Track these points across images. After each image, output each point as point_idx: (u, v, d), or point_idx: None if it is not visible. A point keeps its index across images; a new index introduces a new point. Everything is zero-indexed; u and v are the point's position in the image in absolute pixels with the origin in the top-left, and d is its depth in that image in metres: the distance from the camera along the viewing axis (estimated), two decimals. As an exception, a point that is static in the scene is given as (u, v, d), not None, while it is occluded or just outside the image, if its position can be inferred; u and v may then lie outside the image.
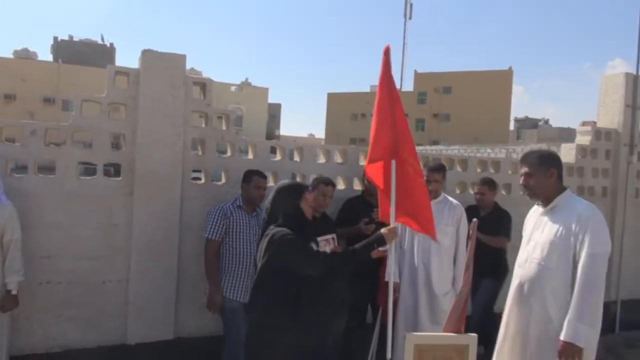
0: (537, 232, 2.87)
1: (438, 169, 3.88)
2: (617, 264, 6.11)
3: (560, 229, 2.74)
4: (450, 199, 3.95)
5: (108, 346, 3.71)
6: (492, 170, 5.47)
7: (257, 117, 45.33)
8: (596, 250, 2.64)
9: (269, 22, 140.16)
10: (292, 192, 2.77)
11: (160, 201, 3.77)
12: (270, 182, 4.30)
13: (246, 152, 4.37)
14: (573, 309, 2.61)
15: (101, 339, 3.70)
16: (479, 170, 5.38)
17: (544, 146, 11.20)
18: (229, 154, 4.20)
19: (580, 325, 2.58)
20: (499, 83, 47.39)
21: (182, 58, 3.83)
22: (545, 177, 2.81)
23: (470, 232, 2.67)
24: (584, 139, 6.06)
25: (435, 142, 42.56)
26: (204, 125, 4.04)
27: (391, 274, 2.75)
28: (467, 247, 2.76)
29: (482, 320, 4.18)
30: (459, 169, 5.26)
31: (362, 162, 4.74)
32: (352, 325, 4.17)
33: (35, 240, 3.49)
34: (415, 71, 52.12)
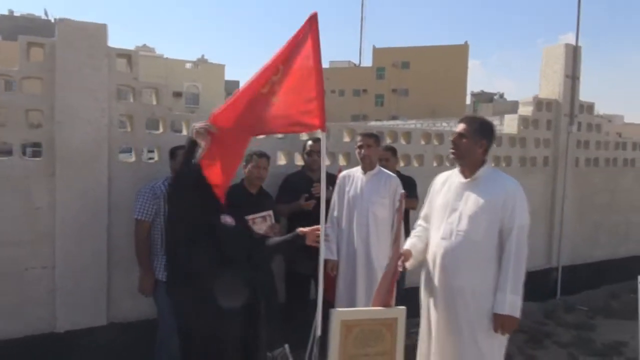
0: (460, 204, 2.81)
1: (369, 134, 3.80)
2: (557, 231, 6.31)
3: (487, 201, 2.73)
4: (386, 171, 3.89)
5: (36, 335, 3.52)
6: (435, 142, 5.48)
7: (214, 95, 44.31)
8: (523, 222, 2.70)
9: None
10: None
11: (86, 181, 3.56)
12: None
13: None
14: (507, 280, 2.64)
15: (27, 329, 3.50)
16: (422, 142, 5.37)
17: (497, 119, 11.40)
18: (160, 130, 4.00)
19: (514, 297, 2.63)
20: (455, 58, 47.93)
21: (102, 27, 3.59)
22: (476, 144, 2.79)
23: (398, 203, 2.62)
24: (526, 110, 6.15)
25: (394, 117, 42.82)
26: (132, 100, 3.83)
27: (321, 251, 2.66)
28: (394, 219, 2.71)
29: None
30: (403, 141, 5.24)
31: (304, 137, 4.65)
32: (295, 299, 4.16)
33: (-54, 227, 3.24)
34: (374, 46, 52.12)
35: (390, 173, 3.90)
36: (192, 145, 2.55)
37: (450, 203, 2.88)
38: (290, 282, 4.20)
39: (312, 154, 4.19)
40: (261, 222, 3.73)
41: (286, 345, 2.68)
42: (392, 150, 4.48)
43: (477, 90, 59.43)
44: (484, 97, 54.90)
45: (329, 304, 3.79)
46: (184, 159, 2.56)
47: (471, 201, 2.78)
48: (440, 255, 2.81)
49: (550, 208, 6.30)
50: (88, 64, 3.52)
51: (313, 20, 2.92)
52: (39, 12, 49.50)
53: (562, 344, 4.78)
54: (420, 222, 3.08)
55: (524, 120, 6.05)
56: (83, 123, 3.53)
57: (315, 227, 2.69)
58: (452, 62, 47.51)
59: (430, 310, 2.89)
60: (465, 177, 2.85)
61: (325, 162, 4.16)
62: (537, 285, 6.10)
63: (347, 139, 4.89)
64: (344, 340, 2.39)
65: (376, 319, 2.47)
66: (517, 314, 2.65)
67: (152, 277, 3.44)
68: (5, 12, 45.91)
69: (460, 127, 2.82)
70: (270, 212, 3.75)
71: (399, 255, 2.62)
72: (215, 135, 2.61)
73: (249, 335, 2.58)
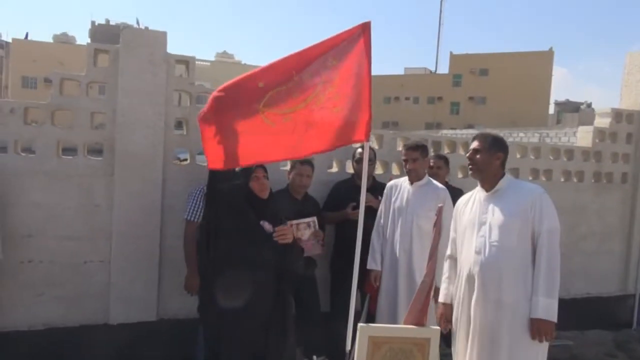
0: (487, 216, 2.79)
1: (414, 147, 3.67)
2: (636, 255, 5.78)
3: (514, 208, 2.72)
4: (435, 182, 3.74)
5: (90, 325, 3.73)
6: (517, 155, 5.26)
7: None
8: (553, 225, 2.67)
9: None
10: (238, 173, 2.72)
11: (142, 182, 3.73)
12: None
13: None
14: (541, 285, 2.64)
15: (83, 318, 3.72)
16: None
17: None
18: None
19: (549, 300, 2.63)
20: (538, 65, 45.64)
21: (162, 35, 3.75)
22: (492, 157, 2.81)
23: (436, 217, 2.51)
24: (603, 122, 5.69)
25: (470, 126, 41.49)
26: (188, 104, 3.97)
27: (355, 262, 2.59)
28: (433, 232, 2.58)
29: None
30: (462, 152, 5.03)
31: (356, 144, 4.60)
32: (338, 309, 4.10)
33: (16, 220, 3.51)
34: (451, 53, 50.84)
35: (439, 185, 3.74)
36: None
37: (477, 217, 2.86)
38: (335, 292, 4.14)
39: (361, 162, 4.12)
40: (304, 228, 3.72)
41: (314, 357, 2.63)
42: (444, 160, 4.31)
43: (562, 99, 56.32)
44: (569, 107, 51.86)
45: (371, 315, 3.71)
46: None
47: (498, 212, 2.76)
48: (477, 270, 2.75)
49: (629, 229, 5.77)
50: (148, 70, 3.69)
51: (366, 28, 2.84)
52: (131, 21, 53.10)
53: (631, 379, 4.36)
54: (449, 251, 3.05)
55: (599, 133, 5.60)
56: (141, 126, 3.70)
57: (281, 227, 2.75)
58: (535, 70, 45.26)
59: (467, 327, 2.82)
60: (487, 190, 2.86)
61: (368, 170, 4.12)
62: (610, 312, 5.65)
63: (400, 147, 4.76)
64: (370, 357, 2.31)
65: (407, 338, 2.36)
66: (552, 317, 2.64)
67: (197, 277, 3.52)
68: (103, 21, 49.75)
69: (474, 144, 2.88)
70: (314, 219, 3.73)
71: (434, 271, 2.50)
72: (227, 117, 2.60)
73: (271, 340, 2.59)
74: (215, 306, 2.59)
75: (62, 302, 3.67)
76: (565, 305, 5.38)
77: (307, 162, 3.78)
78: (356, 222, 3.85)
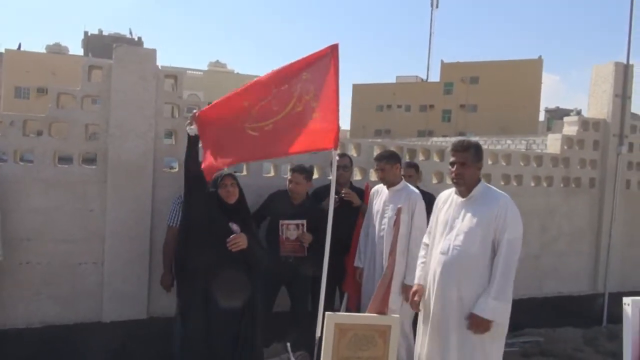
0: (457, 221, 3.00)
1: (379, 158, 4.03)
2: (604, 255, 6.10)
3: (481, 217, 2.91)
4: (411, 187, 4.05)
5: (84, 323, 3.98)
6: (489, 162, 5.57)
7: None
8: (513, 235, 2.85)
9: (288, 9, 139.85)
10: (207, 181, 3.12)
11: (133, 188, 4.01)
12: (245, 172, 4.53)
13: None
14: (494, 288, 2.81)
15: (78, 317, 3.98)
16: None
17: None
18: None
19: (497, 303, 2.80)
20: (528, 73, 46.32)
21: (152, 52, 4.05)
22: (476, 169, 2.98)
23: (395, 217, 2.80)
24: (570, 130, 6.03)
25: (461, 134, 41.96)
26: (177, 116, 4.27)
27: (325, 263, 2.86)
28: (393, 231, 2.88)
29: None
30: (436, 159, 5.35)
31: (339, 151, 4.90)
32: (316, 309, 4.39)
33: (16, 224, 3.77)
34: (442, 61, 51.47)
35: (414, 189, 4.05)
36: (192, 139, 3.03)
37: (449, 221, 3.06)
38: (315, 291, 4.40)
39: (339, 169, 4.43)
40: (293, 229, 4.02)
41: (288, 344, 2.90)
42: (415, 167, 4.64)
43: (553, 106, 57.01)
44: (559, 114, 52.40)
45: (353, 312, 4.00)
46: (186, 152, 3.04)
47: (467, 218, 2.96)
48: (439, 269, 2.99)
49: (597, 231, 6.10)
50: (139, 84, 3.98)
51: (335, 49, 3.17)
52: (124, 31, 53.37)
53: (595, 371, 4.65)
54: (425, 239, 3.29)
55: (567, 140, 5.94)
56: (133, 137, 3.99)
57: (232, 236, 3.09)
58: (525, 77, 45.91)
59: (428, 316, 3.07)
60: (463, 196, 3.03)
61: (345, 176, 4.42)
62: (581, 311, 5.95)
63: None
64: (337, 342, 2.59)
65: (370, 325, 2.64)
66: (499, 318, 2.82)
67: (169, 276, 3.83)
68: (96, 32, 50.09)
69: (461, 156, 2.96)
70: (304, 222, 3.99)
71: (393, 265, 2.79)
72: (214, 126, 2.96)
73: (242, 331, 2.92)
74: (191, 300, 2.93)
75: (58, 301, 3.93)
76: (537, 303, 5.75)
77: (297, 170, 4.09)
78: (336, 218, 4.21)
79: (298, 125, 3.10)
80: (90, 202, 3.98)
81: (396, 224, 2.78)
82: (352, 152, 4.96)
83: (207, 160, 3.07)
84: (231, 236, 3.06)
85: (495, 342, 2.92)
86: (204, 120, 3.06)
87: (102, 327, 4.00)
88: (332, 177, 2.96)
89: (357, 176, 4.97)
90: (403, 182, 4.08)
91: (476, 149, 3.00)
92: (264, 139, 2.99)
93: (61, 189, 3.89)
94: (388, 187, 4.02)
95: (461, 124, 47.54)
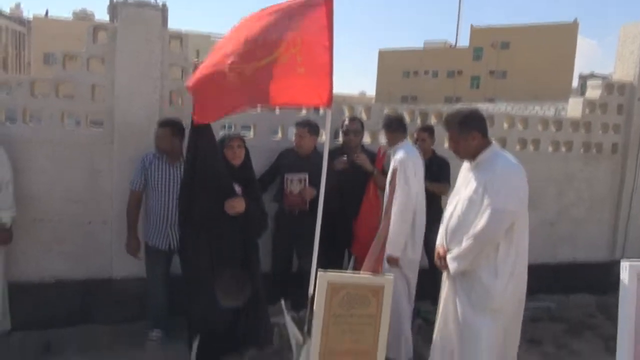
0: (462, 188, 2.96)
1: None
2: (624, 223, 5.94)
3: (479, 185, 2.82)
4: (401, 148, 3.86)
5: (96, 279, 4.13)
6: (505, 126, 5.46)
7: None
8: (499, 206, 2.72)
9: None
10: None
11: (139, 150, 4.04)
12: (252, 135, 4.53)
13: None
14: (460, 249, 2.84)
15: (90, 273, 4.12)
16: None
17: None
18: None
19: (453, 264, 2.88)
20: (562, 37, 44.57)
21: (157, 14, 4.04)
22: (468, 140, 2.88)
23: (390, 178, 2.76)
24: (594, 93, 5.80)
25: (490, 100, 40.97)
26: (182, 78, 4.26)
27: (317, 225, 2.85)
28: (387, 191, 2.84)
29: None
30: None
31: (347, 112, 4.86)
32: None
33: (26, 183, 3.87)
34: (472, 26, 49.92)
35: (402, 150, 3.85)
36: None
37: (457, 187, 3.06)
38: (326, 254, 4.42)
39: (349, 133, 4.40)
40: (297, 183, 4.08)
41: (282, 301, 2.95)
42: (429, 131, 4.55)
43: (587, 72, 54.95)
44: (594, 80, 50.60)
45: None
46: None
47: (469, 186, 2.91)
48: (445, 236, 3.01)
49: (617, 199, 5.93)
50: (144, 46, 3.98)
51: (329, 1, 3.01)
52: (149, -3, 53.34)
53: (604, 336, 4.59)
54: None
55: (589, 104, 5.72)
56: (138, 98, 4.02)
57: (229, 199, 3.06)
58: (559, 42, 44.23)
59: (445, 291, 3.12)
60: (470, 162, 2.98)
61: (355, 141, 4.39)
62: (597, 279, 5.83)
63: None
64: (329, 300, 2.61)
65: (363, 284, 2.64)
66: (450, 269, 2.91)
67: (135, 242, 3.86)
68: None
69: (449, 133, 2.95)
70: (306, 176, 4.03)
71: (388, 225, 2.77)
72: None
73: (244, 288, 2.96)
74: (193, 257, 2.99)
75: (69, 258, 4.07)
76: (551, 270, 5.66)
77: (302, 124, 4.14)
78: (347, 182, 4.22)
79: (282, 76, 2.94)
80: (97, 163, 4.05)
81: (391, 184, 2.75)
82: (362, 115, 4.90)
83: (197, 113, 2.95)
84: (229, 199, 3.08)
85: (490, 315, 2.87)
86: (197, 77, 2.96)
87: (113, 283, 4.14)
88: (326, 139, 2.88)
89: (366, 139, 4.91)
90: (401, 143, 3.93)
91: (460, 124, 2.89)
92: (247, 85, 2.85)
93: (69, 149, 3.96)
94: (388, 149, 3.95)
95: (490, 91, 46.34)
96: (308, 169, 4.07)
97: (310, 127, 4.19)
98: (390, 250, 3.56)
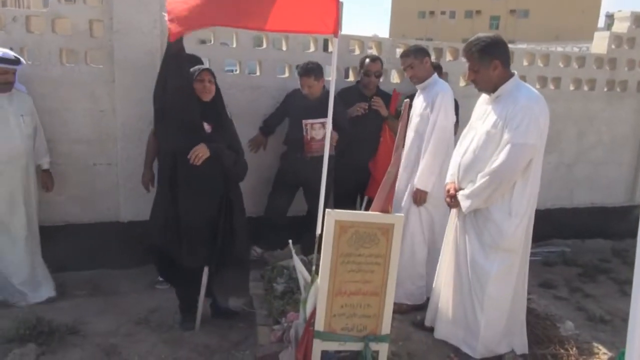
0: (479, 122, 2.87)
1: (406, 53, 3.72)
2: (647, 165, 5.80)
3: (499, 119, 2.73)
4: (441, 81, 3.73)
5: (103, 222, 4.15)
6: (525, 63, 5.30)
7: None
8: (520, 140, 2.64)
9: None
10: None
11: (141, 89, 3.91)
12: (258, 73, 4.41)
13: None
14: (476, 186, 2.78)
15: (97, 216, 4.14)
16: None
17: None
18: (212, 42, 4.26)
19: (467, 201, 2.82)
20: (589, -28, 42.45)
21: (155, -58, 3.82)
22: (489, 70, 2.76)
23: (403, 112, 2.65)
24: (621, 26, 5.52)
25: (510, 42, 39.53)
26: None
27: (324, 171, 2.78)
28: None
29: None
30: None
31: (357, 51, 4.68)
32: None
33: (29, 124, 3.83)
34: (492, -39, 47.58)
35: (443, 83, 3.71)
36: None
37: (475, 121, 2.96)
38: (340, 198, 4.36)
39: (370, 74, 4.26)
40: (319, 128, 3.97)
41: (290, 241, 2.93)
42: (437, 68, 4.37)
43: (615, 10, 52.70)
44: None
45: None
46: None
47: (487, 119, 2.81)
48: (457, 172, 2.95)
49: (640, 140, 5.77)
50: (141, -23, 3.81)
51: None
52: None
53: (618, 280, 4.57)
54: (466, 130, 3.12)
55: (616, 38, 5.45)
56: (137, 33, 3.88)
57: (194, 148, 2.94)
58: (585, -22, 42.19)
59: (453, 229, 3.11)
60: (489, 95, 2.87)
61: (373, 82, 4.26)
62: (614, 223, 5.77)
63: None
64: (337, 239, 2.58)
65: (371, 223, 2.60)
66: (463, 207, 2.87)
67: (149, 175, 3.83)
68: None
69: (469, 62, 2.84)
70: (324, 121, 3.91)
71: (399, 162, 2.69)
72: None
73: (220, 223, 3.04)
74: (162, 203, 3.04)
75: (77, 201, 4.08)
76: (567, 214, 5.60)
77: (306, 74, 3.94)
78: (361, 125, 4.12)
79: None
80: (100, 102, 3.98)
81: (402, 118, 2.64)
82: (373, 51, 4.72)
83: (172, 19, 2.70)
84: (193, 149, 2.94)
85: (501, 253, 2.86)
86: None
87: (120, 226, 4.16)
88: (332, 74, 2.75)
89: (329, 75, 4.72)
90: (433, 77, 3.70)
91: (481, 51, 2.76)
92: (242, 4, 2.68)
93: (70, 88, 3.88)
94: (417, 85, 3.76)
95: (510, 31, 44.70)
96: (320, 111, 3.94)
97: (316, 74, 4.00)
98: (421, 185, 3.50)
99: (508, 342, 3.04)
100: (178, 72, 2.89)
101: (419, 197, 3.54)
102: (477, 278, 2.91)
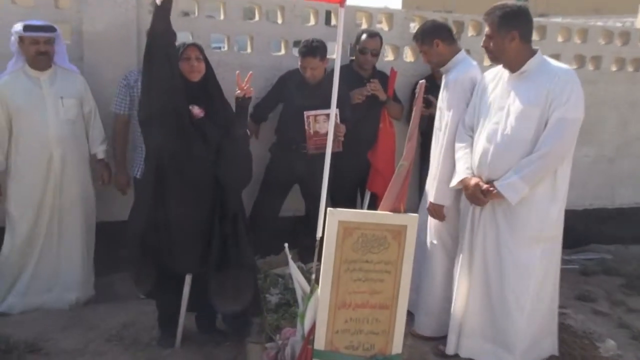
0: (506, 101, 2.90)
1: (416, 37, 3.63)
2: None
3: (536, 94, 2.81)
4: (469, 59, 3.52)
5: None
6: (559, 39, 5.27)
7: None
8: (573, 115, 2.78)
9: None
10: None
11: (114, 68, 3.94)
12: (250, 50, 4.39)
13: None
14: (525, 168, 2.82)
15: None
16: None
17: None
18: (196, 14, 4.24)
19: (520, 183, 2.83)
20: None
21: None
22: (505, 39, 2.86)
23: (417, 95, 2.63)
24: (672, -2, 5.49)
25: (542, 15, 39.51)
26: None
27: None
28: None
29: None
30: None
31: (364, 25, 4.66)
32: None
33: None
34: None
35: (456, 70, 3.68)
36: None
37: (497, 101, 2.97)
38: (337, 194, 4.35)
39: (366, 52, 4.21)
40: (324, 121, 3.88)
41: (285, 246, 2.91)
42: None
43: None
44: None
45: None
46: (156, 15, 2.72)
47: (519, 97, 2.85)
48: (486, 161, 2.95)
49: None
50: (113, -63, 3.78)
51: None
52: None
53: (668, 293, 4.55)
54: (467, 119, 3.16)
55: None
56: (110, 4, 3.87)
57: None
58: (630, -59, 42.04)
59: (472, 228, 3.11)
60: (512, 71, 2.93)
61: (371, 61, 4.23)
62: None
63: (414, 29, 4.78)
64: (341, 243, 2.56)
65: (381, 224, 2.58)
66: (513, 198, 2.85)
67: (125, 174, 3.84)
68: None
69: (486, 28, 2.95)
70: (336, 112, 3.86)
71: (413, 153, 2.67)
72: None
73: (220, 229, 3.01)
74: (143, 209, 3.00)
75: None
76: (608, 215, 5.59)
77: (311, 53, 3.87)
78: (355, 113, 4.09)
79: None
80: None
81: (417, 103, 2.62)
82: (383, 26, 4.69)
83: None
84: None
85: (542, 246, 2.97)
86: None
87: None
88: (337, 53, 2.73)
89: (388, 56, 4.74)
90: (454, 59, 3.44)
91: (501, 17, 2.85)
92: None
93: (31, 68, 3.86)
94: (435, 70, 3.77)
95: (542, 4, 44.51)
96: (321, 97, 3.91)
97: (322, 54, 3.93)
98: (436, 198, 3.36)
99: (541, 346, 3.16)
100: (167, 67, 2.77)
101: (436, 213, 3.41)
102: (516, 276, 2.96)
